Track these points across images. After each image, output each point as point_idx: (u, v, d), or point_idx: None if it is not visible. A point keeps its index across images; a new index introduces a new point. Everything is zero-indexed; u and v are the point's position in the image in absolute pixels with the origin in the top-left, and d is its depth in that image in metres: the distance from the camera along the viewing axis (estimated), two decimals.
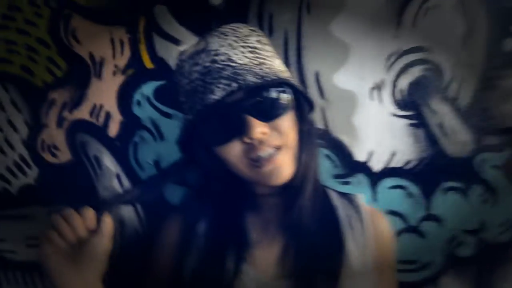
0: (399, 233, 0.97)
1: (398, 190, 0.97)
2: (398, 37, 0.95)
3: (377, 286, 0.74)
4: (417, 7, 0.94)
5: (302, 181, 0.72)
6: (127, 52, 0.94)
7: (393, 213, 0.97)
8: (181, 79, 0.73)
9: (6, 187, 0.98)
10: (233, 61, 0.67)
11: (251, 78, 0.65)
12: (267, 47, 0.74)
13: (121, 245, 0.93)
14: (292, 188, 0.72)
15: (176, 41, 0.93)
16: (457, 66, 0.96)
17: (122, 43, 0.94)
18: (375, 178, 0.97)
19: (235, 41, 0.70)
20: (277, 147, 0.68)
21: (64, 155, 0.96)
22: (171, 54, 0.93)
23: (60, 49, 0.94)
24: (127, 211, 0.95)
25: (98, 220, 0.68)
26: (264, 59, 0.70)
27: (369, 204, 0.92)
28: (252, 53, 0.69)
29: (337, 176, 0.96)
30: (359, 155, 0.97)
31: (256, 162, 0.68)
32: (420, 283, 0.98)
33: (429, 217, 0.97)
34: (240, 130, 0.66)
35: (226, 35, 0.70)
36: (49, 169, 0.97)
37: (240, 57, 0.68)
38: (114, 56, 0.94)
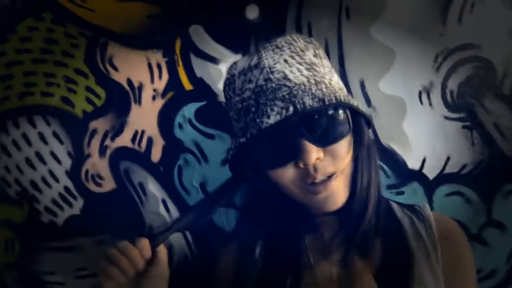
0: None
1: (455, 197, 0.93)
2: (444, 36, 0.91)
3: None
4: (462, 2, 0.90)
5: (363, 201, 0.68)
6: (165, 75, 0.93)
7: None
8: (232, 95, 0.69)
9: (53, 219, 0.98)
10: (289, 80, 0.64)
11: (308, 101, 0.61)
12: (325, 62, 0.70)
13: (172, 272, 0.92)
14: (352, 208, 0.68)
15: (214, 60, 0.92)
16: (509, 61, 0.92)
17: (159, 67, 0.93)
18: (430, 185, 0.93)
19: (291, 56, 0.66)
20: (332, 173, 0.64)
21: (109, 184, 0.96)
22: (210, 74, 0.91)
23: (98, 78, 0.94)
24: (176, 237, 0.94)
25: (153, 250, 0.66)
26: (322, 77, 0.66)
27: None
28: (309, 70, 0.66)
29: (390, 187, 0.93)
30: (412, 163, 0.93)
31: (310, 187, 0.65)
32: None
33: (490, 224, 0.93)
34: (295, 155, 0.63)
35: (282, 50, 0.67)
36: (94, 199, 0.97)
37: (297, 75, 0.64)
38: (152, 80, 0.93)
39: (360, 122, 0.68)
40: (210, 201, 0.75)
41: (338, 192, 0.65)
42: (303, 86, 0.63)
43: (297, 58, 0.66)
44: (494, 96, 0.93)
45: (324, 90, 0.64)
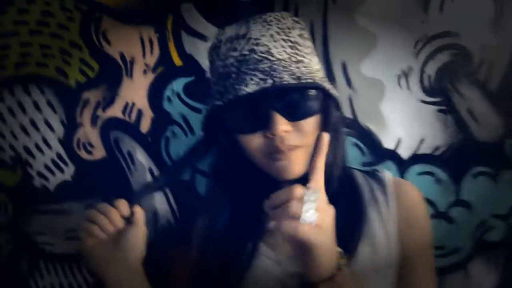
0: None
1: (427, 177, 0.98)
2: (424, 23, 0.95)
3: (414, 269, 0.75)
4: None
5: (326, 176, 0.72)
6: (156, 51, 0.97)
7: None
8: (215, 59, 0.73)
9: (45, 183, 1.03)
10: (272, 55, 0.67)
11: (287, 77, 0.65)
12: (308, 43, 0.74)
13: (155, 234, 0.98)
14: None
15: (203, 38, 0.95)
16: (486, 50, 0.96)
17: (151, 42, 0.96)
18: (403, 165, 0.97)
19: (277, 32, 0.69)
20: (295, 146, 0.69)
21: (99, 152, 1.00)
22: (199, 51, 0.95)
23: (92, 50, 0.97)
24: (160, 203, 0.99)
25: (131, 211, 0.71)
26: (303, 56, 0.70)
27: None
28: (292, 48, 0.69)
29: (365, 164, 0.97)
30: (388, 143, 0.97)
31: (273, 155, 0.69)
32: (449, 268, 0.99)
33: (458, 203, 0.98)
34: (265, 125, 0.67)
35: (270, 25, 0.70)
36: (85, 166, 1.01)
37: (280, 51, 0.68)
38: (144, 55, 0.97)
39: (330, 104, 0.72)
40: (182, 162, 0.79)
41: (296, 163, 0.69)
42: (283, 62, 0.67)
43: (283, 35, 0.70)
44: (470, 83, 0.97)
45: (303, 69, 0.68)
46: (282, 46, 0.69)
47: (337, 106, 0.75)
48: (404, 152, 0.98)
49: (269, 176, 0.73)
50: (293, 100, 0.67)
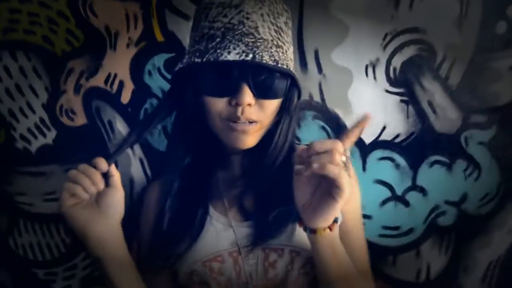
0: (386, 201, 1.05)
1: (386, 162, 1.04)
2: (394, 18, 1.01)
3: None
4: None
5: (275, 156, 0.79)
6: (140, 26, 1.01)
7: (381, 182, 1.04)
8: (202, 19, 0.75)
9: (27, 146, 1.06)
10: (258, 32, 0.72)
11: (266, 57, 0.70)
12: (289, 32, 0.79)
13: (131, 201, 1.02)
14: (263, 158, 0.79)
15: (186, 17, 1.00)
16: (450, 47, 1.02)
17: (135, 18, 1.01)
18: (366, 149, 1.04)
19: (267, 14, 0.74)
20: (253, 120, 0.74)
21: (80, 119, 1.04)
22: (181, 29, 1.00)
23: (78, 21, 1.01)
24: (137, 172, 1.05)
25: (109, 171, 0.74)
26: (283, 43, 0.76)
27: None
28: (276, 32, 0.75)
29: None
30: None
31: (230, 123, 0.74)
32: (403, 248, 1.06)
33: (414, 188, 1.05)
34: (232, 93, 0.73)
35: (263, 4, 0.74)
36: (66, 131, 1.05)
37: (266, 31, 0.73)
38: (128, 29, 1.01)
39: (293, 93, 0.79)
40: (149, 118, 0.84)
41: (249, 136, 0.75)
42: (266, 43, 0.72)
43: (272, 18, 0.75)
44: (432, 77, 1.03)
45: (281, 55, 0.74)
46: (269, 28, 0.74)
47: (299, 96, 0.81)
48: (367, 138, 1.04)
49: (220, 145, 0.79)
50: (264, 79, 0.73)
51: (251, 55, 0.69)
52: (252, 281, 0.77)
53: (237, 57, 0.69)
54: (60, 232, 1.08)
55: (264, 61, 0.69)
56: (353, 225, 0.83)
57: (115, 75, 1.03)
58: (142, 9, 1.01)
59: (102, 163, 0.72)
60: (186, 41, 1.00)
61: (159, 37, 1.01)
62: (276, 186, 0.78)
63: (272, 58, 0.71)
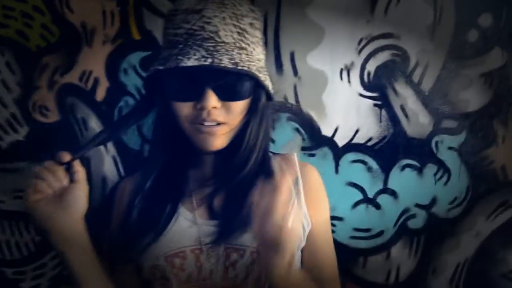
0: (357, 203, 1.06)
1: (359, 164, 1.06)
2: (370, 23, 1.03)
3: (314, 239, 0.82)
4: None
5: (246, 156, 0.79)
6: (117, 23, 1.00)
7: (353, 185, 1.06)
8: (169, 26, 0.77)
9: None
10: (219, 37, 0.73)
11: (225, 61, 0.71)
12: (256, 32, 0.79)
13: (103, 199, 1.02)
14: (234, 158, 0.79)
15: (164, 16, 1.00)
16: (423, 53, 1.05)
17: (112, 15, 1.00)
18: (339, 152, 1.05)
19: (230, 17, 0.74)
20: (220, 122, 0.75)
21: (53, 116, 1.03)
22: (158, 28, 0.99)
23: (54, 17, 1.00)
24: (110, 170, 1.04)
25: (73, 166, 0.74)
26: (247, 44, 0.76)
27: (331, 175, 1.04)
28: (239, 35, 0.75)
29: (304, 149, 1.05)
30: (326, 130, 1.05)
31: (198, 126, 0.75)
32: (373, 250, 1.08)
33: (385, 191, 1.07)
34: (197, 97, 0.74)
35: (226, 7, 0.74)
36: (39, 128, 1.03)
37: (227, 35, 0.74)
38: (104, 26, 1.00)
39: (261, 93, 0.80)
40: (123, 120, 0.85)
41: (218, 138, 0.76)
42: (227, 46, 0.73)
43: (234, 20, 0.75)
44: (405, 82, 1.06)
45: (243, 56, 0.74)
46: (231, 31, 0.74)
47: (268, 96, 0.81)
48: (340, 140, 1.05)
49: (193, 145, 0.79)
50: (227, 82, 0.73)
51: (209, 60, 0.70)
52: (212, 279, 0.77)
53: (195, 63, 0.70)
54: (30, 230, 1.06)
55: (222, 65, 0.70)
56: (321, 235, 0.84)
57: (90, 72, 1.02)
58: (119, 6, 1.00)
59: (65, 156, 0.73)
60: None
61: (136, 35, 1.01)
62: (246, 187, 0.79)
63: (232, 61, 0.71)
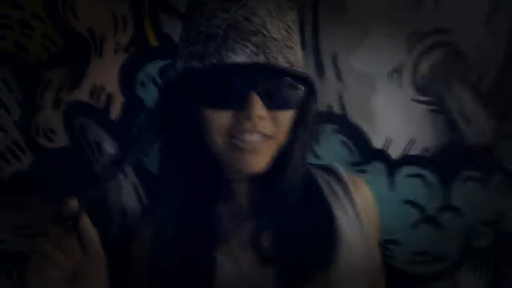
0: (416, 223, 0.94)
1: (416, 179, 0.94)
2: (418, 18, 0.91)
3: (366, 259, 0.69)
4: None
5: (287, 172, 0.66)
6: (130, 29, 0.88)
7: (410, 202, 0.93)
8: (197, 15, 0.62)
9: None
10: (267, 31, 0.59)
11: (281, 59, 0.58)
12: (297, 33, 0.67)
13: (123, 234, 0.89)
14: (271, 177, 0.65)
15: (183, 17, 0.87)
16: (480, 49, 0.93)
17: (124, 19, 0.88)
18: (392, 166, 0.93)
19: (275, 9, 0.61)
20: (266, 135, 0.61)
21: (61, 140, 0.91)
22: (178, 31, 0.86)
23: (56, 24, 0.88)
24: (129, 199, 0.91)
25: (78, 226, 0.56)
26: (294, 44, 0.63)
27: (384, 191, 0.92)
28: (287, 32, 0.62)
29: (353, 164, 0.92)
30: (377, 142, 0.93)
31: (237, 141, 0.60)
32: (435, 275, 0.96)
33: (447, 207, 0.95)
34: (240, 104, 0.59)
35: None
36: (45, 155, 0.91)
37: (275, 30, 0.60)
38: (115, 32, 0.88)
39: (311, 102, 0.66)
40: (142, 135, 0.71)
41: (260, 157, 0.61)
42: (277, 43, 0.60)
43: (279, 14, 0.62)
44: (462, 82, 0.94)
45: (293, 57, 0.62)
46: (278, 26, 0.61)
47: (316, 105, 0.68)
48: (394, 153, 0.93)
49: (221, 171, 0.65)
50: (277, 86, 0.60)
51: (262, 56, 0.57)
52: None
53: (246, 59, 0.57)
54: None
55: (279, 64, 0.58)
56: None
57: (102, 87, 0.90)
58: (132, 9, 0.88)
59: (72, 204, 0.55)
60: None
61: (153, 41, 0.89)
62: (298, 218, 0.65)
63: (286, 60, 0.59)
